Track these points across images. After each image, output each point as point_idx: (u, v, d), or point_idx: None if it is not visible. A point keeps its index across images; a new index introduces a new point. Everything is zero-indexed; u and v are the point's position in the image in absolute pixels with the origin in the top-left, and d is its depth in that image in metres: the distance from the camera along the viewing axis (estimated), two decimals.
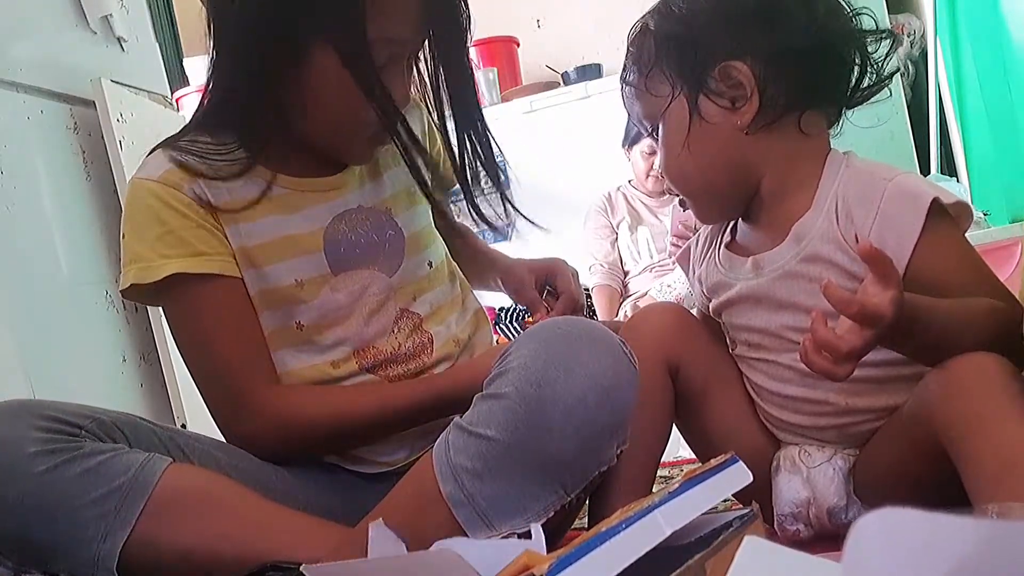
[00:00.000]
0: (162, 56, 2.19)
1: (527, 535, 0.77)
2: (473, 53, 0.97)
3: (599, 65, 3.29)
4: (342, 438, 0.96)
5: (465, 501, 0.77)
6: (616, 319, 2.33)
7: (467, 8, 0.92)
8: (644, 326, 0.95)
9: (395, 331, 1.00)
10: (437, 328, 1.02)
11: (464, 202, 1.00)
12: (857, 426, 0.87)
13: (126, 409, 0.90)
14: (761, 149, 0.87)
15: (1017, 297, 0.77)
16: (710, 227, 1.00)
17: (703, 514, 0.64)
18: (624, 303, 2.56)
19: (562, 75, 3.33)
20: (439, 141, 1.11)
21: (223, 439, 0.96)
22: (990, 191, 2.81)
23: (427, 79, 0.95)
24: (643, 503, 0.60)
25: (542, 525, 0.77)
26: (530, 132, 3.06)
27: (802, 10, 0.85)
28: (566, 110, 3.08)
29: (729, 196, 0.91)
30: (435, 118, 0.97)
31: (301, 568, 0.68)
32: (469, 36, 0.93)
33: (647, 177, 2.61)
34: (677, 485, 0.64)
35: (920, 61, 3.01)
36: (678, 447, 1.02)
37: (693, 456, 1.05)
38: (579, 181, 2.94)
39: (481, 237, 1.24)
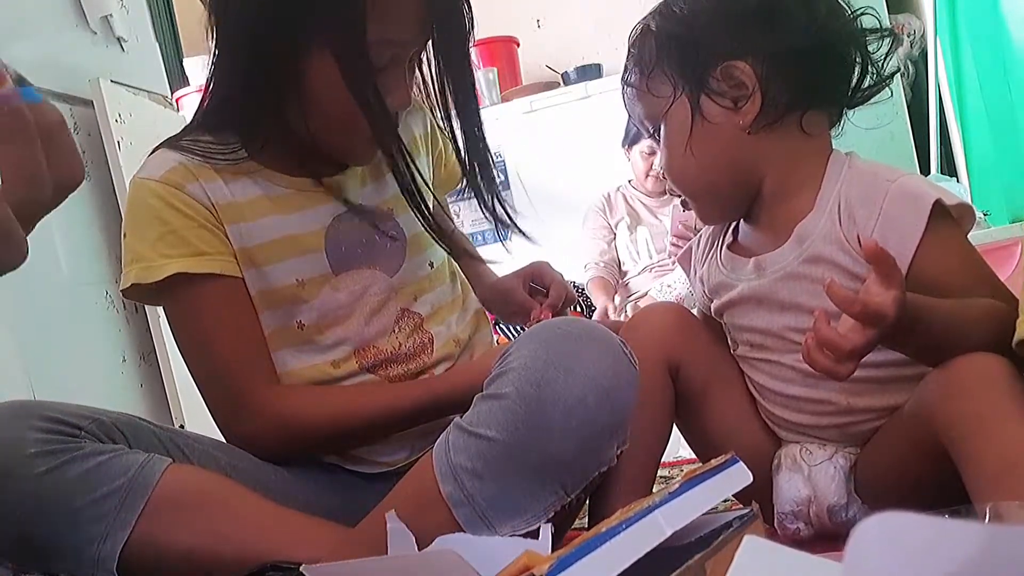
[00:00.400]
0: (162, 56, 2.19)
1: (532, 535, 0.77)
2: (473, 53, 0.96)
3: (599, 65, 3.29)
4: (342, 438, 0.96)
5: (465, 501, 0.77)
6: (616, 319, 2.33)
7: (470, 10, 0.92)
8: (644, 326, 0.95)
9: (396, 331, 1.00)
10: (438, 328, 1.02)
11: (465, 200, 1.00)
12: (858, 425, 0.87)
13: (126, 409, 0.90)
14: (763, 149, 0.87)
15: (1018, 298, 0.77)
16: (711, 228, 1.00)
17: (703, 514, 0.64)
18: (625, 303, 2.56)
19: (562, 75, 3.33)
20: (441, 142, 1.11)
21: (223, 439, 0.96)
22: (990, 191, 2.81)
23: (429, 80, 0.95)
24: (643, 503, 0.60)
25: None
26: (530, 132, 3.06)
27: (803, 10, 0.85)
28: (566, 110, 3.08)
29: (731, 196, 0.91)
30: (439, 119, 0.97)
31: (301, 568, 0.68)
32: (472, 37, 0.93)
33: (646, 177, 2.61)
34: (677, 485, 0.64)
35: (920, 61, 3.01)
36: (678, 447, 1.02)
37: (693, 456, 1.05)
38: (579, 181, 2.94)
39: (477, 239, 1.24)
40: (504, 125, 3.02)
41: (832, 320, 0.71)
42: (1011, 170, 2.76)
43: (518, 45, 3.47)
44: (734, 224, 0.97)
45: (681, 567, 0.55)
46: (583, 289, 2.54)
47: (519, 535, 0.77)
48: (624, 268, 2.66)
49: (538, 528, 0.77)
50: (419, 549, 0.76)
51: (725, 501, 0.91)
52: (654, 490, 0.88)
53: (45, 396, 1.34)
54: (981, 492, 0.66)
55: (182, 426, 1.71)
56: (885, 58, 0.87)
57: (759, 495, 0.81)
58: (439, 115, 0.97)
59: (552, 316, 1.06)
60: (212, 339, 0.93)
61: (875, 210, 0.81)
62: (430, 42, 0.91)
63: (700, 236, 1.03)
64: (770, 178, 0.88)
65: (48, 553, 0.77)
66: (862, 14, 0.87)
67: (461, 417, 0.81)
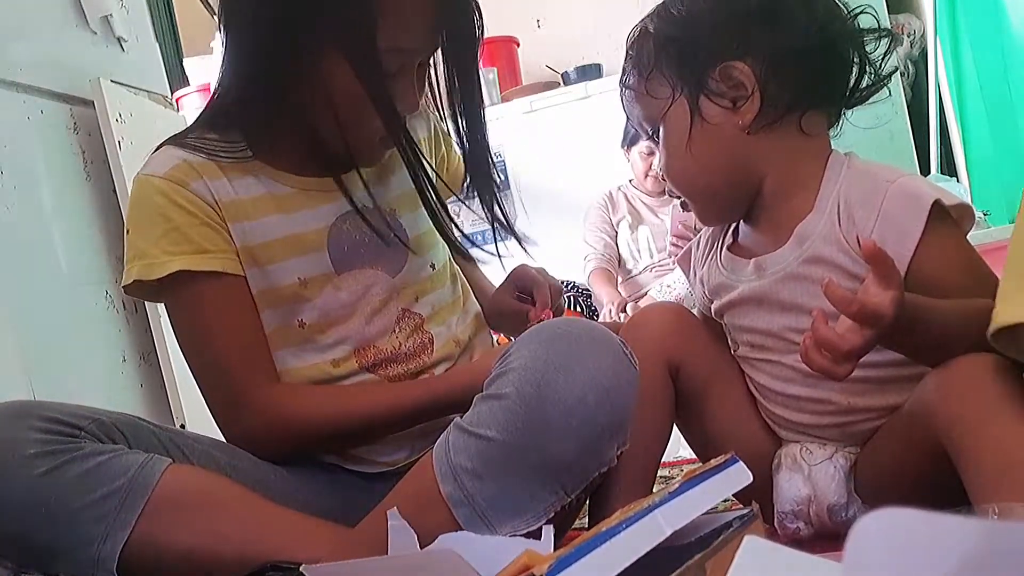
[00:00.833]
0: (162, 56, 2.19)
1: (532, 535, 0.77)
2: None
3: (599, 65, 3.29)
4: (342, 437, 0.96)
5: (465, 501, 0.77)
6: (615, 320, 2.33)
7: (480, 18, 0.92)
8: (644, 326, 0.95)
9: (396, 331, 1.00)
10: (438, 329, 1.02)
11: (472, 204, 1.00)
12: (858, 425, 0.87)
13: (126, 409, 0.90)
14: (763, 150, 0.87)
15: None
16: (711, 229, 1.00)
17: (703, 514, 0.65)
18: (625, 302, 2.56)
19: (562, 75, 3.33)
20: (444, 146, 1.11)
21: (223, 439, 0.96)
22: (990, 191, 2.81)
23: (435, 85, 0.96)
24: (643, 503, 0.60)
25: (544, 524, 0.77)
26: (530, 132, 3.06)
27: (802, 9, 0.85)
28: (566, 110, 3.08)
29: (731, 197, 0.91)
30: (447, 124, 0.97)
31: (301, 568, 0.68)
32: (481, 46, 0.93)
33: (646, 177, 2.61)
34: (677, 485, 0.64)
35: (920, 61, 3.01)
36: (678, 447, 1.02)
37: (693, 456, 1.05)
38: (579, 181, 2.94)
39: (477, 238, 1.24)
40: (504, 125, 3.02)
41: (831, 320, 0.71)
42: (1011, 170, 2.76)
43: (518, 45, 3.47)
44: (734, 225, 0.97)
45: (681, 567, 0.55)
46: (583, 289, 2.54)
47: (519, 535, 0.77)
48: (626, 267, 2.66)
49: (539, 528, 0.77)
50: (419, 549, 0.76)
51: (725, 501, 0.91)
52: (654, 490, 0.88)
53: (45, 396, 1.34)
54: (980, 492, 0.66)
55: (182, 426, 1.72)
56: (883, 58, 0.87)
57: (759, 495, 0.81)
58: (446, 121, 0.97)
59: (553, 315, 1.06)
60: (213, 337, 0.93)
61: (874, 210, 0.81)
62: (440, 45, 0.91)
63: (700, 237, 1.03)
64: (770, 179, 0.89)
65: (48, 553, 0.77)
66: (860, 13, 0.87)
67: (461, 417, 0.81)
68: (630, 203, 2.68)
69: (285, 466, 0.95)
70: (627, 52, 0.94)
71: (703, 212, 0.96)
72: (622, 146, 2.65)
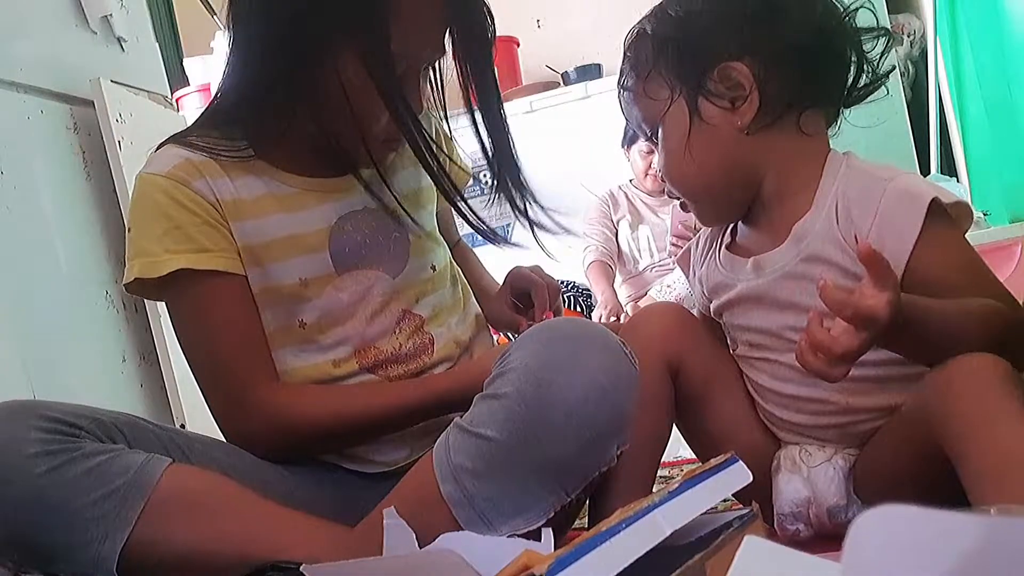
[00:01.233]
0: (162, 56, 2.18)
1: (532, 535, 0.77)
2: None
3: (599, 65, 3.29)
4: (341, 437, 0.96)
5: (465, 501, 0.78)
6: (615, 320, 2.33)
7: (492, 21, 0.92)
8: (644, 326, 0.95)
9: (396, 332, 1.00)
10: (438, 330, 1.02)
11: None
12: (857, 425, 0.87)
13: (126, 409, 0.90)
14: (761, 150, 0.87)
15: (1016, 298, 0.77)
16: (710, 229, 1.00)
17: (703, 514, 0.65)
18: (625, 303, 2.55)
19: (562, 75, 3.33)
20: (446, 148, 1.11)
21: (222, 439, 0.96)
22: (990, 191, 2.81)
23: (438, 86, 0.96)
24: (643, 503, 0.60)
25: (544, 524, 0.77)
26: (530, 132, 3.04)
27: (799, 9, 0.85)
28: (566, 110, 3.08)
29: (730, 197, 0.91)
30: (474, 121, 0.97)
31: (301, 568, 0.68)
32: (493, 49, 0.93)
33: (645, 176, 2.62)
34: (677, 485, 0.65)
35: (920, 61, 3.01)
36: (678, 447, 1.02)
37: (693, 456, 1.05)
38: (579, 181, 2.94)
39: (478, 238, 1.23)
40: None
41: (826, 320, 0.71)
42: (1011, 170, 2.76)
43: (518, 45, 3.46)
44: (733, 225, 0.97)
45: (681, 567, 0.55)
46: (583, 289, 2.53)
47: (519, 535, 0.77)
48: (626, 266, 2.66)
49: (539, 529, 0.77)
50: (417, 547, 0.76)
51: (725, 501, 0.91)
52: (654, 490, 0.88)
53: (45, 396, 1.34)
54: (980, 493, 0.66)
55: (182, 426, 1.71)
56: (881, 56, 0.87)
57: (759, 495, 0.81)
58: (470, 121, 0.97)
59: (553, 315, 1.06)
60: (213, 336, 0.94)
61: (872, 209, 0.81)
62: (453, 50, 0.92)
63: (699, 237, 1.03)
64: (768, 178, 0.89)
65: (48, 553, 0.77)
66: (858, 8, 0.87)
67: (461, 417, 0.81)
68: (631, 202, 2.68)
69: (285, 466, 0.95)
70: (625, 53, 0.94)
71: (702, 212, 0.96)
72: (622, 145, 2.65)
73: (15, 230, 1.49)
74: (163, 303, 1.00)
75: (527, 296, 1.09)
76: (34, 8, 1.67)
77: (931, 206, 0.78)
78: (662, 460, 0.96)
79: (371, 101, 0.88)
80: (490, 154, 0.97)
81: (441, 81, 0.96)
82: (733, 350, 0.95)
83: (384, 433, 0.97)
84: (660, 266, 2.59)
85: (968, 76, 2.87)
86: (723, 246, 0.96)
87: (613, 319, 2.32)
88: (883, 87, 0.89)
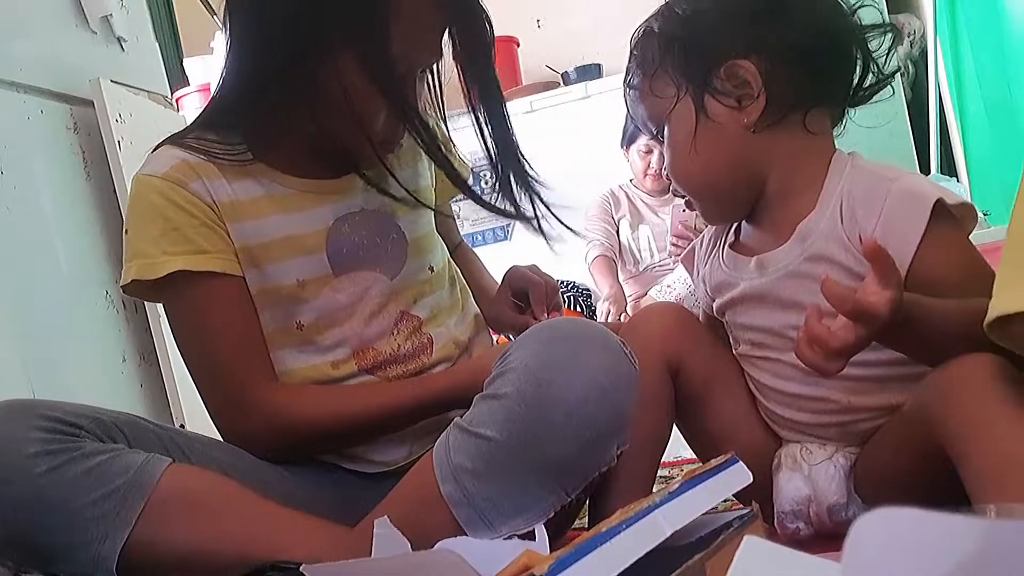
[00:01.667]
0: (162, 56, 2.18)
1: (530, 536, 0.77)
2: None
3: (599, 65, 3.29)
4: (341, 437, 0.96)
5: (465, 501, 0.77)
6: (616, 321, 2.33)
7: (490, 26, 0.92)
8: (644, 326, 0.95)
9: (395, 333, 0.99)
10: (437, 330, 1.02)
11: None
12: (858, 424, 0.87)
13: (126, 409, 0.90)
14: (767, 148, 0.87)
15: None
16: (714, 228, 1.00)
17: (703, 514, 0.65)
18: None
19: (562, 75, 3.33)
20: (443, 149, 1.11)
21: (221, 438, 0.96)
22: (990, 191, 2.81)
23: (437, 87, 0.96)
24: (643, 503, 0.60)
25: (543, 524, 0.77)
26: (530, 132, 3.03)
27: (806, 7, 0.85)
28: (566, 110, 3.08)
29: (735, 196, 0.91)
30: (478, 122, 0.96)
31: (301, 568, 0.68)
32: (493, 51, 0.93)
33: (645, 176, 2.62)
34: (677, 485, 0.65)
35: (920, 61, 3.01)
36: (678, 447, 1.02)
37: (693, 456, 1.05)
38: (579, 181, 2.94)
39: (478, 238, 1.23)
40: None
41: (828, 319, 0.71)
42: (1011, 170, 2.76)
43: (518, 45, 3.46)
44: (736, 224, 0.97)
45: (681, 567, 0.55)
46: (583, 289, 2.53)
47: (519, 536, 0.77)
48: (627, 266, 2.66)
49: (533, 530, 0.77)
50: (419, 549, 0.76)
51: (725, 501, 0.91)
52: (654, 490, 0.88)
53: (45, 396, 1.34)
54: (980, 492, 0.66)
55: (182, 426, 1.71)
56: (887, 55, 0.87)
57: (759, 494, 0.81)
58: (474, 121, 0.96)
59: (556, 314, 1.06)
60: (212, 337, 0.93)
61: (877, 209, 0.81)
62: (454, 52, 0.92)
63: (703, 236, 1.03)
64: (774, 177, 0.89)
65: (48, 553, 0.77)
66: (861, 6, 0.87)
67: (461, 417, 0.81)
68: (631, 202, 2.68)
69: (285, 466, 0.95)
70: (631, 52, 0.93)
71: (707, 211, 0.96)
72: (621, 145, 2.65)
73: (15, 230, 1.49)
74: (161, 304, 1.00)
75: (527, 295, 1.09)
76: (34, 8, 1.67)
77: (935, 207, 0.78)
78: (662, 460, 0.96)
79: (369, 102, 0.88)
80: (494, 155, 0.96)
81: (440, 84, 0.96)
82: (735, 349, 0.95)
83: (383, 433, 0.97)
84: (660, 266, 2.59)
85: (968, 76, 2.87)
86: (727, 245, 0.96)
87: (622, 316, 2.32)
88: (888, 87, 0.89)
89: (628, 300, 2.54)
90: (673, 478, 0.90)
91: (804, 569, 0.51)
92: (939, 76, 2.89)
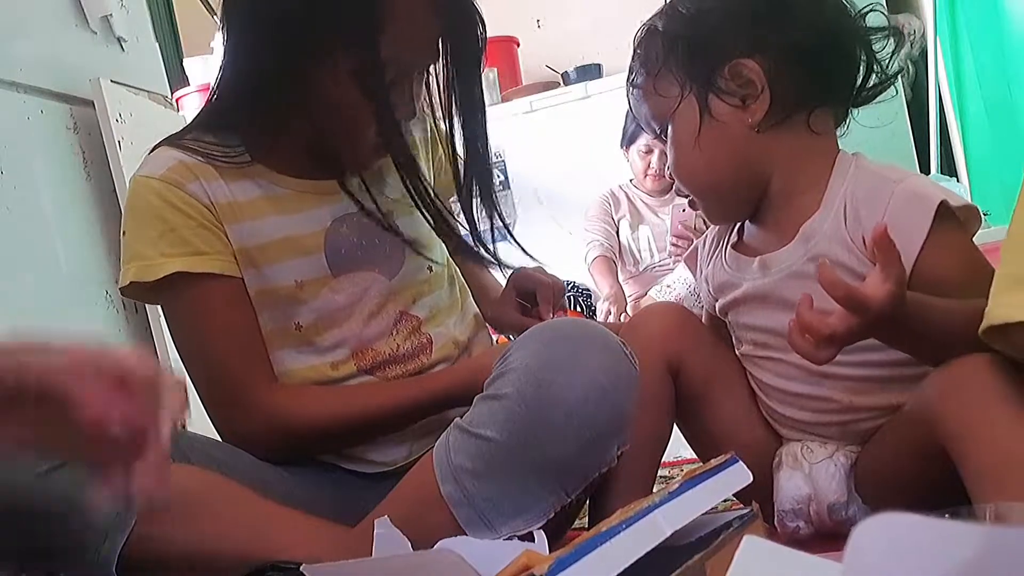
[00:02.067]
0: (162, 56, 2.18)
1: (529, 537, 0.77)
2: None
3: (599, 65, 3.29)
4: (340, 437, 0.96)
5: (465, 502, 0.77)
6: (616, 321, 2.33)
7: (484, 30, 0.92)
8: (644, 326, 0.95)
9: (394, 333, 0.99)
10: (436, 330, 1.02)
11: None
12: (859, 423, 0.87)
13: None
14: (771, 147, 0.87)
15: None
16: (717, 228, 1.00)
17: (703, 514, 0.65)
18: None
19: (562, 75, 3.33)
20: (440, 148, 1.11)
21: (220, 439, 0.96)
22: (990, 191, 2.81)
23: (436, 87, 0.96)
24: (643, 503, 0.60)
25: (542, 526, 0.77)
26: (530, 132, 3.05)
27: (811, 7, 0.85)
28: (566, 110, 3.08)
29: (739, 195, 0.91)
30: (449, 131, 0.97)
31: (301, 568, 0.68)
32: (483, 59, 0.93)
33: (645, 176, 2.61)
34: (677, 485, 0.65)
35: (920, 61, 3.00)
36: (678, 447, 1.02)
37: (693, 456, 1.05)
38: (579, 181, 2.94)
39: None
40: (504, 125, 3.01)
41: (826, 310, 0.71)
42: (1011, 170, 2.76)
43: (518, 45, 3.46)
44: (740, 224, 0.97)
45: (681, 567, 0.55)
46: (583, 289, 2.53)
47: (519, 536, 0.77)
48: (627, 267, 2.66)
49: (537, 530, 0.77)
50: (419, 549, 0.76)
51: (725, 501, 0.91)
52: (654, 490, 0.88)
53: None
54: (981, 492, 0.66)
55: (182, 426, 1.71)
56: (891, 56, 0.87)
57: (759, 494, 0.81)
58: (444, 124, 0.97)
59: (562, 314, 1.06)
60: (210, 339, 0.93)
61: (881, 210, 0.81)
62: (442, 56, 0.92)
63: (706, 236, 1.03)
64: (777, 177, 0.88)
65: (48, 553, 0.76)
66: (870, 10, 0.87)
67: (461, 417, 0.81)
68: (631, 202, 2.68)
69: (284, 466, 0.95)
70: (635, 51, 0.93)
71: (711, 210, 0.96)
72: (621, 145, 2.65)
73: (15, 230, 1.49)
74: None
75: (533, 297, 1.09)
76: (34, 8, 1.67)
77: (939, 208, 0.78)
78: (662, 460, 0.96)
79: (359, 107, 0.88)
80: (462, 164, 0.97)
81: (438, 83, 0.96)
82: (738, 349, 0.95)
83: (383, 433, 0.97)
84: (660, 266, 2.59)
85: (968, 76, 2.87)
86: (729, 245, 0.96)
87: (623, 316, 2.31)
88: (892, 87, 0.89)
89: (628, 300, 2.54)
90: (673, 478, 0.90)
91: (804, 569, 0.51)
92: (939, 76, 2.89)
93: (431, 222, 0.97)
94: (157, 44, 2.17)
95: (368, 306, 0.98)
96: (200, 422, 1.05)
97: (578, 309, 2.43)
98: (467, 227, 1.00)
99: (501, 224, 1.00)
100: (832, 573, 0.49)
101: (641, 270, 2.63)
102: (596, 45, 3.47)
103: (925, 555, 0.37)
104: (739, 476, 0.74)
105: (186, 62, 3.26)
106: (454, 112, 0.95)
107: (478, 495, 0.77)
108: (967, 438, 0.68)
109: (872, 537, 0.39)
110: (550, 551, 0.73)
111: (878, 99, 0.90)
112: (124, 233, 0.95)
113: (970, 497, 0.67)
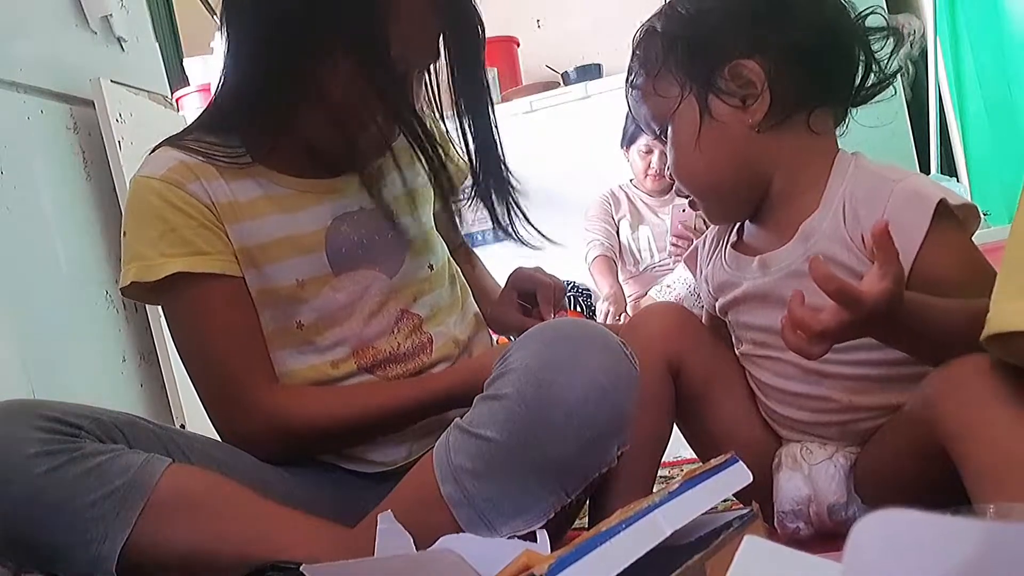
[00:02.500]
0: (162, 56, 2.19)
1: (531, 537, 0.77)
2: None
3: (599, 65, 3.29)
4: (340, 437, 0.96)
5: (465, 502, 0.77)
6: (615, 322, 2.33)
7: (483, 30, 0.92)
8: (644, 326, 0.95)
9: (395, 332, 1.00)
10: (437, 329, 1.02)
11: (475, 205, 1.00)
12: (859, 423, 0.87)
13: (126, 409, 0.90)
14: (771, 148, 0.87)
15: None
16: (717, 228, 1.00)
17: (703, 514, 0.65)
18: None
19: (562, 75, 3.33)
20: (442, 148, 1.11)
21: (221, 440, 0.96)
22: (990, 191, 2.81)
23: (435, 86, 0.96)
24: (643, 503, 0.60)
25: (543, 526, 0.77)
26: (530, 132, 3.05)
27: (810, 7, 0.86)
28: (566, 110, 3.08)
29: (739, 196, 0.91)
30: (457, 130, 0.97)
31: (301, 568, 0.68)
32: (483, 55, 0.94)
33: (645, 176, 2.62)
34: (677, 485, 0.65)
35: (920, 61, 3.00)
36: (678, 447, 1.02)
37: (693, 456, 1.05)
38: (579, 181, 2.94)
39: (477, 238, 1.24)
40: (504, 125, 3.00)
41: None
42: (1011, 170, 2.76)
43: (518, 45, 3.46)
44: (739, 224, 0.97)
45: (681, 567, 0.55)
46: (583, 289, 2.53)
47: (519, 536, 0.77)
48: (627, 267, 2.66)
49: (539, 530, 0.77)
50: (418, 549, 0.76)
51: (725, 501, 0.91)
52: (654, 490, 0.88)
53: (45, 396, 1.34)
54: (980, 492, 0.66)
55: (182, 426, 1.71)
56: (890, 56, 0.87)
57: (759, 494, 0.81)
58: (456, 126, 0.97)
59: (562, 314, 1.06)
60: (212, 338, 0.93)
61: (880, 209, 0.81)
62: (444, 55, 0.92)
63: (706, 236, 1.03)
64: (777, 177, 0.88)
65: (48, 553, 0.77)
66: (870, 13, 0.87)
67: (461, 417, 0.81)
68: (631, 202, 2.68)
69: (284, 466, 0.95)
70: (634, 51, 0.93)
71: (711, 211, 0.96)
72: (621, 145, 2.65)
73: (15, 230, 1.49)
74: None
75: (533, 297, 1.09)
76: (34, 8, 1.67)
77: (938, 207, 0.78)
78: (662, 460, 0.96)
79: (364, 104, 0.88)
80: (475, 160, 0.97)
81: (437, 83, 0.96)
82: (737, 348, 0.95)
83: (383, 433, 0.97)
84: (660, 266, 2.59)
85: (968, 76, 2.87)
86: (729, 245, 0.96)
87: (622, 316, 2.31)
88: (891, 87, 0.89)
89: (628, 300, 2.54)
90: (673, 478, 0.90)
91: (804, 569, 0.51)
92: (939, 76, 2.89)
93: (446, 202, 0.96)
94: (157, 44, 2.17)
95: (369, 304, 0.98)
96: (200, 422, 1.05)
97: (578, 309, 2.44)
98: (489, 218, 0.99)
99: (521, 215, 1.00)
100: (832, 573, 0.49)
101: (641, 270, 2.63)
102: (596, 45, 3.47)
103: (925, 552, 0.37)
104: (739, 476, 0.74)
105: (186, 62, 3.26)
106: (462, 111, 0.95)
107: (478, 495, 0.77)
108: (967, 438, 0.68)
109: (871, 534, 0.39)
110: (550, 550, 0.73)
111: (878, 99, 0.90)
112: (125, 233, 0.95)
113: (970, 497, 0.67)
